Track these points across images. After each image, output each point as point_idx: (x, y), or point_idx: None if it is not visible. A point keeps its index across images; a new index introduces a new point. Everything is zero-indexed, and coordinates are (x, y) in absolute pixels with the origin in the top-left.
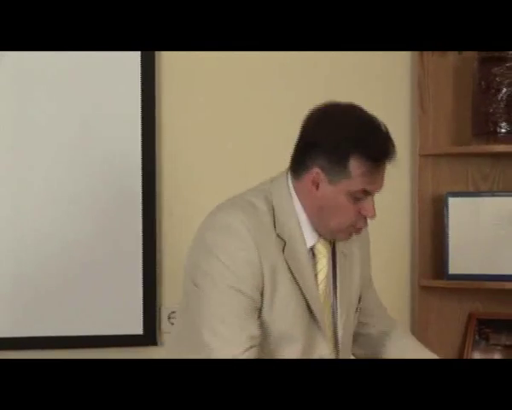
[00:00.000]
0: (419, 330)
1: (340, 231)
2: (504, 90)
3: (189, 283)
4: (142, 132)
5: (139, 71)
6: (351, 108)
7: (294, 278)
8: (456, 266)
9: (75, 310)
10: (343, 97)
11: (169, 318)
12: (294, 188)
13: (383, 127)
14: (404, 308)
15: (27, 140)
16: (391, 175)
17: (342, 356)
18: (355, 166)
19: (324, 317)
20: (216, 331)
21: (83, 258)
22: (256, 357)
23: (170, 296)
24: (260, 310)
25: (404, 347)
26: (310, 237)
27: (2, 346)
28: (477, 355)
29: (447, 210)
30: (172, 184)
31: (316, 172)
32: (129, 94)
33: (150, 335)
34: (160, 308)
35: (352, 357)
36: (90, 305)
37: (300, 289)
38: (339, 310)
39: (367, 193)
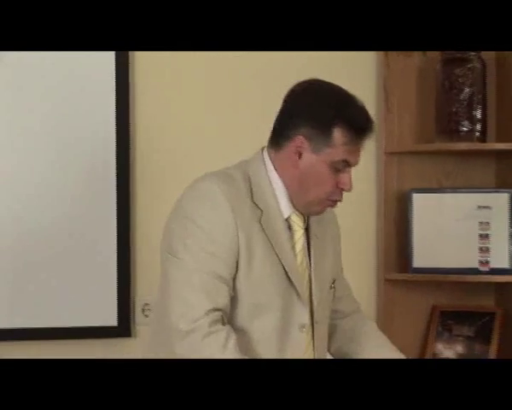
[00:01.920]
0: (384, 321)
1: (317, 204)
2: (466, 90)
3: (164, 252)
4: (117, 129)
5: (113, 69)
6: (331, 83)
7: (272, 246)
8: (420, 259)
9: (49, 302)
10: None
11: (143, 310)
12: (273, 160)
13: (360, 102)
14: (369, 301)
15: None
16: (357, 172)
17: (317, 329)
18: (338, 135)
19: (303, 287)
20: (182, 296)
21: (56, 250)
22: (221, 323)
23: (144, 289)
24: (236, 277)
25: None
26: (286, 208)
27: None
28: (440, 346)
29: (411, 206)
30: (147, 178)
31: (300, 140)
32: (103, 93)
33: (124, 327)
34: (134, 301)
35: (325, 330)
36: (64, 297)
37: (278, 257)
38: (314, 282)
39: (347, 164)
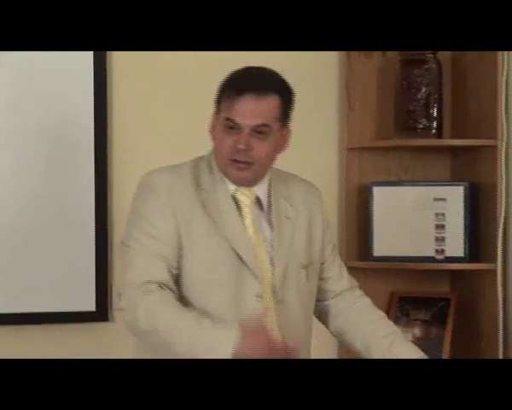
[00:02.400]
0: None
1: (226, 165)
2: (423, 89)
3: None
4: (95, 126)
5: (92, 70)
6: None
7: (216, 226)
8: (379, 248)
9: (28, 287)
10: None
11: (119, 295)
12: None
13: (260, 70)
14: None
15: None
16: (321, 166)
17: (283, 309)
18: (223, 97)
19: (258, 260)
20: (125, 277)
21: (35, 236)
22: (159, 299)
23: (121, 275)
24: (182, 257)
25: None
26: (230, 185)
27: None
28: (399, 329)
29: (372, 198)
30: (124, 172)
31: (212, 117)
32: (81, 93)
33: (102, 311)
34: (111, 286)
35: (299, 307)
36: (42, 282)
37: (223, 235)
38: (276, 258)
39: (235, 124)
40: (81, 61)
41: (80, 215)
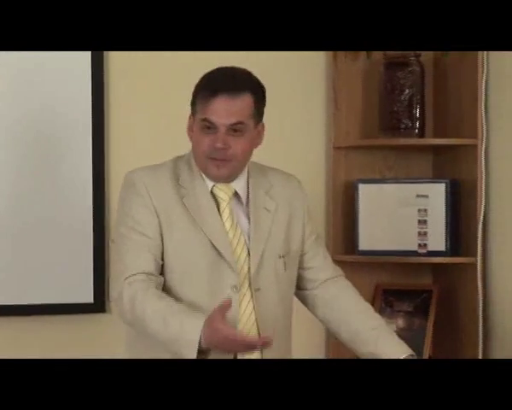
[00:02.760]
0: None
1: (205, 164)
2: (407, 91)
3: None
4: (93, 124)
5: (89, 70)
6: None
7: (194, 220)
8: (365, 243)
9: (29, 280)
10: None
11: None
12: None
13: (233, 70)
14: None
15: None
16: (309, 164)
17: (260, 296)
18: (198, 99)
19: (236, 253)
20: (114, 268)
21: (33, 230)
22: (140, 289)
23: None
24: (163, 249)
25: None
26: (209, 183)
27: None
28: (384, 320)
29: (357, 195)
30: (120, 168)
31: (189, 118)
32: (79, 92)
33: (100, 303)
34: (108, 279)
35: (276, 296)
36: (41, 275)
37: (202, 229)
38: (253, 249)
39: (211, 124)
40: (79, 61)
41: (78, 211)
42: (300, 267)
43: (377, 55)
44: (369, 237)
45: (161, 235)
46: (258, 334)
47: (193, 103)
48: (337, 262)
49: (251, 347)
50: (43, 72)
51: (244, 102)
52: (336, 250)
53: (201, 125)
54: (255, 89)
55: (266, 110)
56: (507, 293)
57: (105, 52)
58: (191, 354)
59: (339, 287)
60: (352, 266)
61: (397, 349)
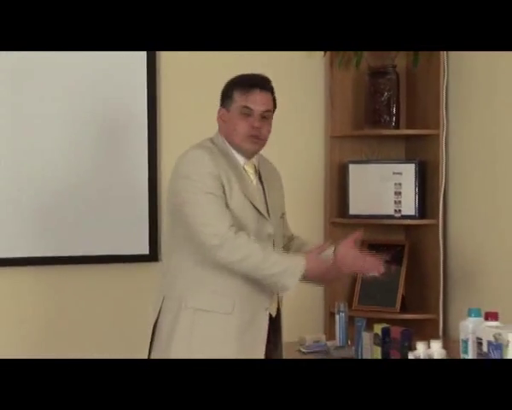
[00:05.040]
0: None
1: (243, 141)
2: (386, 93)
3: (172, 206)
4: (148, 105)
5: (145, 69)
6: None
7: (240, 186)
8: (354, 209)
9: (95, 235)
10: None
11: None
12: (220, 133)
13: (258, 74)
14: (319, 237)
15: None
16: (311, 150)
17: (274, 238)
18: (236, 93)
19: (265, 210)
20: (207, 223)
21: (102, 196)
22: (237, 232)
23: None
24: (227, 204)
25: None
26: (240, 159)
27: (39, 262)
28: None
29: (348, 173)
30: (170, 139)
31: (220, 112)
32: (139, 85)
33: (154, 254)
34: (160, 234)
35: (281, 245)
36: (108, 232)
37: (246, 193)
38: (269, 207)
39: (250, 109)
40: (136, 59)
41: (136, 176)
42: None
43: (364, 65)
44: (357, 205)
45: (225, 195)
46: None
47: (227, 97)
48: (332, 223)
49: (339, 274)
50: (107, 68)
51: (268, 96)
52: (332, 214)
53: (240, 111)
54: (272, 90)
55: (278, 108)
56: (461, 247)
57: (158, 52)
58: (294, 282)
59: (299, 239)
60: (344, 227)
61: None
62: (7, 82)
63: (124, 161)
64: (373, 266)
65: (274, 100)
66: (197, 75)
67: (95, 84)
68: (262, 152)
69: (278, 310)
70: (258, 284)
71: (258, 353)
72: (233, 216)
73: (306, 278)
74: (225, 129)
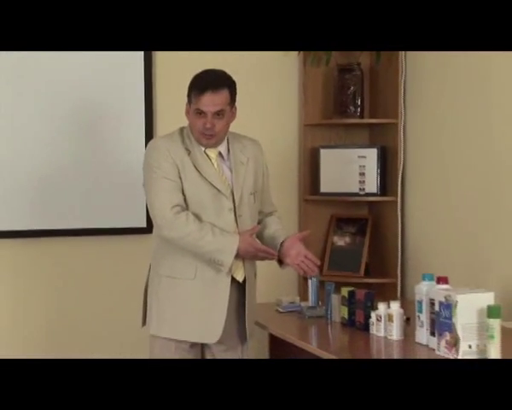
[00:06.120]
0: (304, 224)
1: (198, 137)
2: (352, 87)
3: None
4: (145, 98)
5: (142, 68)
6: (204, 70)
7: (197, 169)
8: (324, 187)
9: (98, 209)
10: (253, 89)
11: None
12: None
13: (215, 73)
14: (294, 212)
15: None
16: (288, 136)
17: (241, 218)
18: (192, 95)
19: (225, 189)
20: (153, 205)
21: (99, 173)
22: (178, 213)
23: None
24: (183, 189)
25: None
26: (201, 147)
27: (58, 233)
28: (336, 238)
29: (319, 156)
30: (164, 124)
31: (186, 105)
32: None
33: (150, 227)
34: None
35: (249, 218)
36: (108, 207)
37: (203, 176)
38: (235, 187)
39: (202, 112)
40: (134, 58)
41: (133, 157)
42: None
43: (332, 63)
44: (327, 184)
45: (180, 178)
46: None
47: (189, 95)
48: (306, 200)
49: (270, 255)
50: (108, 59)
51: (223, 95)
52: (306, 192)
53: (195, 112)
54: (230, 85)
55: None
56: (417, 220)
57: (153, 52)
58: (229, 259)
59: (272, 217)
60: (315, 203)
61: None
62: (20, 71)
63: (122, 143)
64: (308, 267)
65: (231, 94)
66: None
67: (97, 78)
68: (245, 133)
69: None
70: None
71: (220, 313)
72: (189, 195)
73: (239, 256)
74: (189, 123)
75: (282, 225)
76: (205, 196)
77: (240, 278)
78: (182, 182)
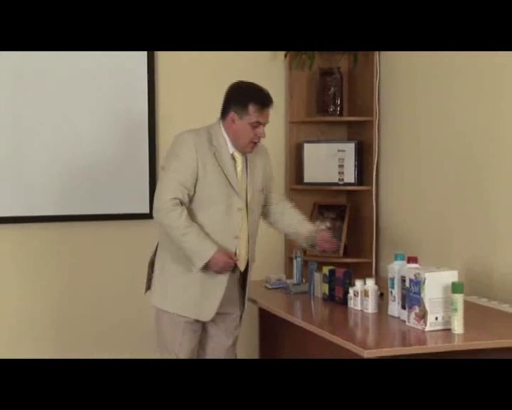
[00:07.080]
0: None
1: (246, 146)
2: (332, 89)
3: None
4: (148, 102)
5: (145, 68)
6: (248, 81)
7: (221, 168)
8: (307, 177)
9: (105, 197)
10: None
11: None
12: (223, 124)
13: (263, 89)
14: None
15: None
16: (275, 133)
17: (251, 214)
18: (251, 107)
19: (241, 189)
20: (162, 189)
21: (112, 168)
22: (175, 205)
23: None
24: (197, 183)
25: (288, 213)
26: (230, 149)
27: (61, 219)
28: (318, 223)
29: (303, 150)
30: (166, 125)
31: (232, 114)
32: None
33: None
34: None
35: (257, 213)
36: (115, 195)
37: (225, 174)
38: (249, 187)
39: (259, 124)
40: (137, 61)
41: (138, 150)
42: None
43: (315, 67)
44: (310, 175)
45: (197, 175)
46: (248, 235)
47: (241, 106)
48: (291, 189)
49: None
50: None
51: None
52: (291, 182)
53: (253, 124)
54: None
55: None
56: (390, 207)
57: (155, 52)
58: (200, 263)
59: (284, 204)
60: (299, 192)
61: (308, 227)
62: (34, 68)
63: (128, 139)
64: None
65: None
66: (190, 72)
67: (104, 77)
68: None
69: (247, 265)
70: (219, 244)
71: (215, 299)
72: (206, 190)
73: (208, 266)
74: (233, 130)
75: (298, 213)
76: (219, 193)
77: (242, 268)
78: (199, 178)
